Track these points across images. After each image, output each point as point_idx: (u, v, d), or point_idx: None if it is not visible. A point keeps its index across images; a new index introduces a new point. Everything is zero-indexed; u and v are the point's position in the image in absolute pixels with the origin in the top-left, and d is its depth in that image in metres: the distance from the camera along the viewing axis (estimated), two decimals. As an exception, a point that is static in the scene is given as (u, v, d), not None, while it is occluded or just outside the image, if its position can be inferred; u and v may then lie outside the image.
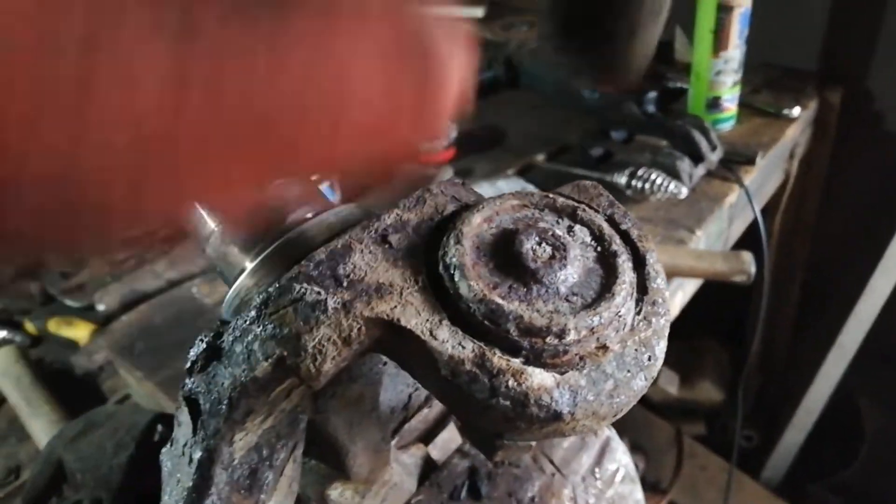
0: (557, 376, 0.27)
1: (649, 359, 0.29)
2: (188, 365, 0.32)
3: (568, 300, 0.29)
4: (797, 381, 1.51)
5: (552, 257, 0.29)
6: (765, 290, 1.19)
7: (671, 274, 1.01)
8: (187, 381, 0.32)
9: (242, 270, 0.36)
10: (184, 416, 0.32)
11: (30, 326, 1.01)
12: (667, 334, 0.30)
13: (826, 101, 1.27)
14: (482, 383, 0.27)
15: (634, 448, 1.59)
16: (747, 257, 0.99)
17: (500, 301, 0.28)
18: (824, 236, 1.48)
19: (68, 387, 0.90)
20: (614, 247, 0.31)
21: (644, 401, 1.63)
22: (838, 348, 1.41)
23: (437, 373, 0.28)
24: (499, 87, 1.46)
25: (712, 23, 1.08)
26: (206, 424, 0.31)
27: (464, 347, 0.28)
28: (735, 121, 1.21)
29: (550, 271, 0.29)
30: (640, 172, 1.08)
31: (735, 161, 1.15)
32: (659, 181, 1.06)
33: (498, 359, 0.27)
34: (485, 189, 1.11)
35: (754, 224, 1.15)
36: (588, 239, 0.31)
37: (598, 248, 0.31)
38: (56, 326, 0.98)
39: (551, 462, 0.57)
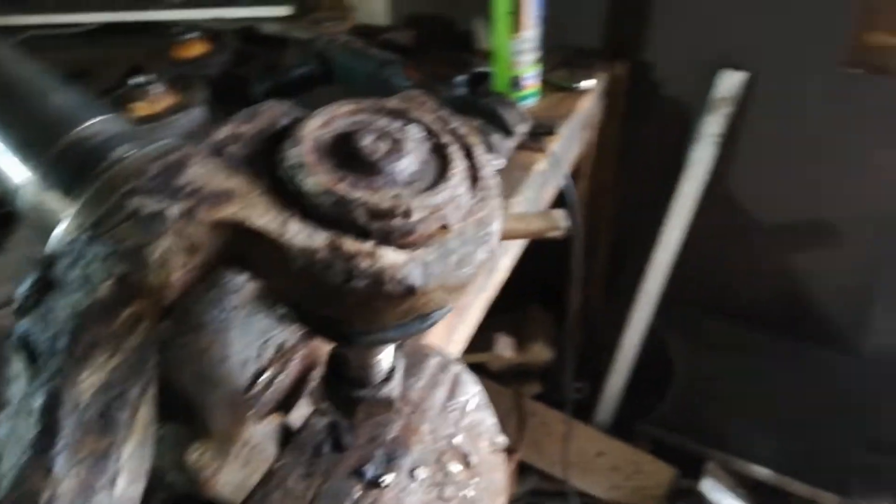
0: (408, 254, 0.29)
1: (487, 235, 0.32)
2: (17, 305, 0.29)
3: (408, 185, 0.31)
4: (614, 332, 1.67)
5: (390, 150, 0.31)
6: (575, 250, 1.31)
7: (496, 238, 1.08)
8: (19, 324, 0.29)
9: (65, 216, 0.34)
10: (16, 367, 0.30)
11: None
12: (500, 215, 0.33)
13: (614, 74, 1.43)
14: (337, 268, 0.28)
15: (482, 419, 1.66)
16: (559, 213, 1.08)
17: (344, 191, 0.29)
18: (624, 196, 1.66)
19: None
20: (445, 139, 0.33)
21: (484, 370, 1.72)
22: (644, 296, 1.59)
23: (291, 267, 0.28)
24: (313, 84, 1.46)
25: (508, 5, 1.17)
26: (47, 365, 0.29)
27: (315, 238, 0.28)
28: (538, 97, 1.32)
29: (389, 162, 0.31)
30: (458, 148, 1.13)
31: (540, 133, 1.25)
32: (476, 155, 1.12)
33: (350, 243, 0.28)
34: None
35: (562, 189, 1.26)
36: (421, 134, 0.34)
37: (431, 141, 0.33)
38: None
39: (408, 403, 0.59)
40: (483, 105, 1.21)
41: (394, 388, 0.41)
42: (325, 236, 0.28)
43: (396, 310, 0.29)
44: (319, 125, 0.32)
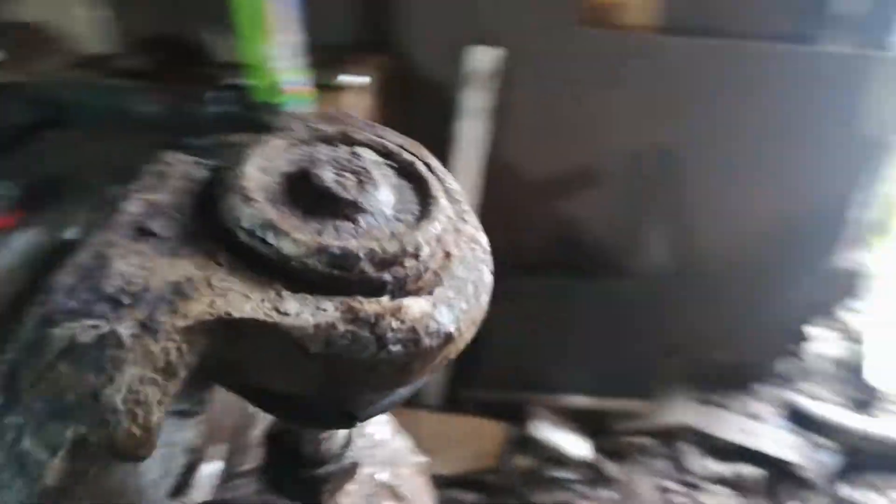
0: (429, 298, 0.24)
1: (483, 251, 0.28)
2: None
3: (399, 219, 0.26)
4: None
5: (360, 183, 0.26)
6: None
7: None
8: None
9: None
10: None
11: None
12: (478, 224, 0.30)
13: (381, 66, 1.44)
14: (365, 339, 0.22)
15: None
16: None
17: (339, 243, 0.23)
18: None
19: None
20: (405, 156, 0.28)
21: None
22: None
23: (306, 355, 0.22)
24: (40, 130, 1.23)
25: (253, 13, 1.09)
26: None
27: (325, 310, 0.22)
28: (310, 99, 1.26)
29: (368, 196, 0.25)
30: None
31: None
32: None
33: (368, 304, 0.23)
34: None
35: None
36: (376, 157, 0.28)
37: (392, 164, 0.28)
38: None
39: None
40: (255, 118, 1.12)
41: (355, 451, 0.36)
42: (334, 305, 0.22)
43: (433, 364, 0.24)
44: (258, 171, 0.25)
